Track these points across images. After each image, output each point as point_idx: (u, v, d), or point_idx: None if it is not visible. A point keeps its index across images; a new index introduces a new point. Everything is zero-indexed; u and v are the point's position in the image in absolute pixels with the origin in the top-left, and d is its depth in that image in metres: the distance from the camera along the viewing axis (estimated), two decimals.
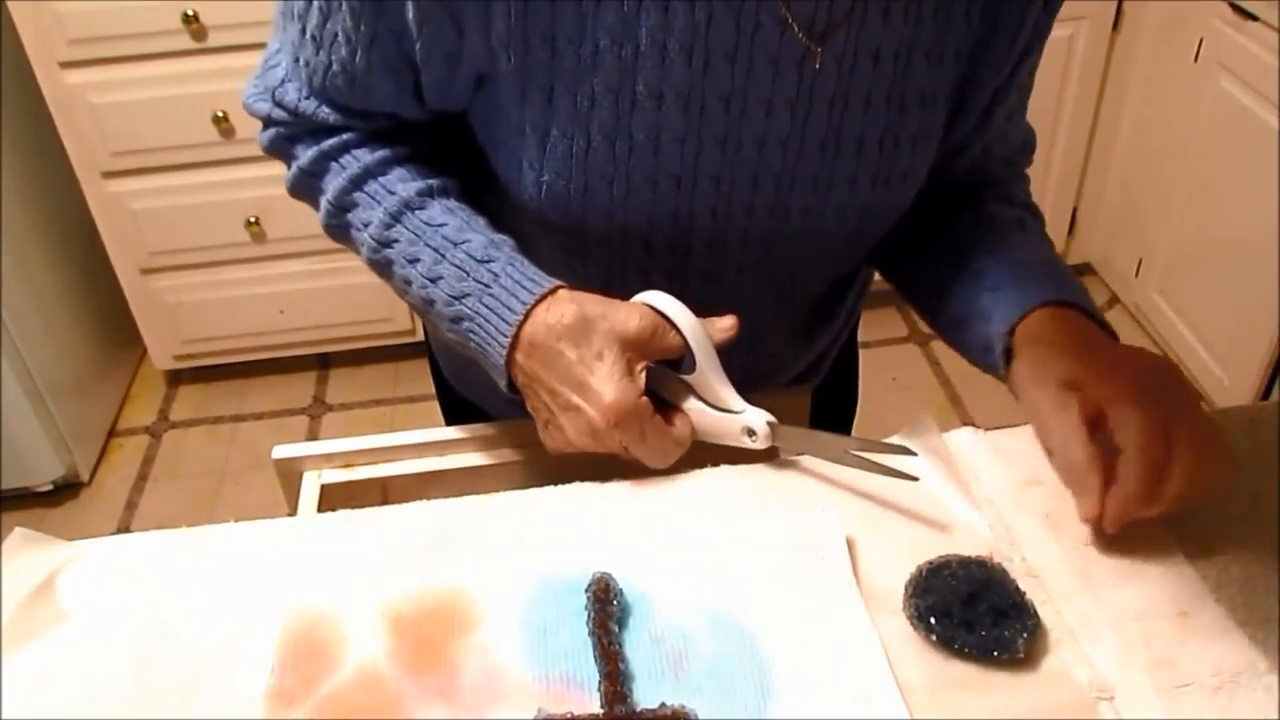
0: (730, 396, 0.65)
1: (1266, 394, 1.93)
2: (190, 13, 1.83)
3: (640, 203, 0.68)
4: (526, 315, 0.62)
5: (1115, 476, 0.58)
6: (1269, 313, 1.87)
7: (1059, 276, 0.69)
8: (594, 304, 0.63)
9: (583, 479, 0.66)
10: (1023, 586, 0.57)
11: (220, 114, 1.93)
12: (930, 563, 0.58)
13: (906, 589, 0.57)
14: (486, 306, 0.64)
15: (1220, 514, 0.63)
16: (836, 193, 0.70)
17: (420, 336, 2.30)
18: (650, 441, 0.63)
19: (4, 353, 1.84)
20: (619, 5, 0.60)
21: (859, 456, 0.63)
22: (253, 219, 2.06)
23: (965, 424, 0.71)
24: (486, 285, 0.64)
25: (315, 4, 0.63)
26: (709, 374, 0.65)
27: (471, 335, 0.65)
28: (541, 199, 0.68)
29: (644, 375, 0.63)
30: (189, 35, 1.86)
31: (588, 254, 0.72)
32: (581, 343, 0.62)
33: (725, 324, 0.66)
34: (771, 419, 0.65)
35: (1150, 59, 2.20)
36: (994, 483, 0.65)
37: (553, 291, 0.63)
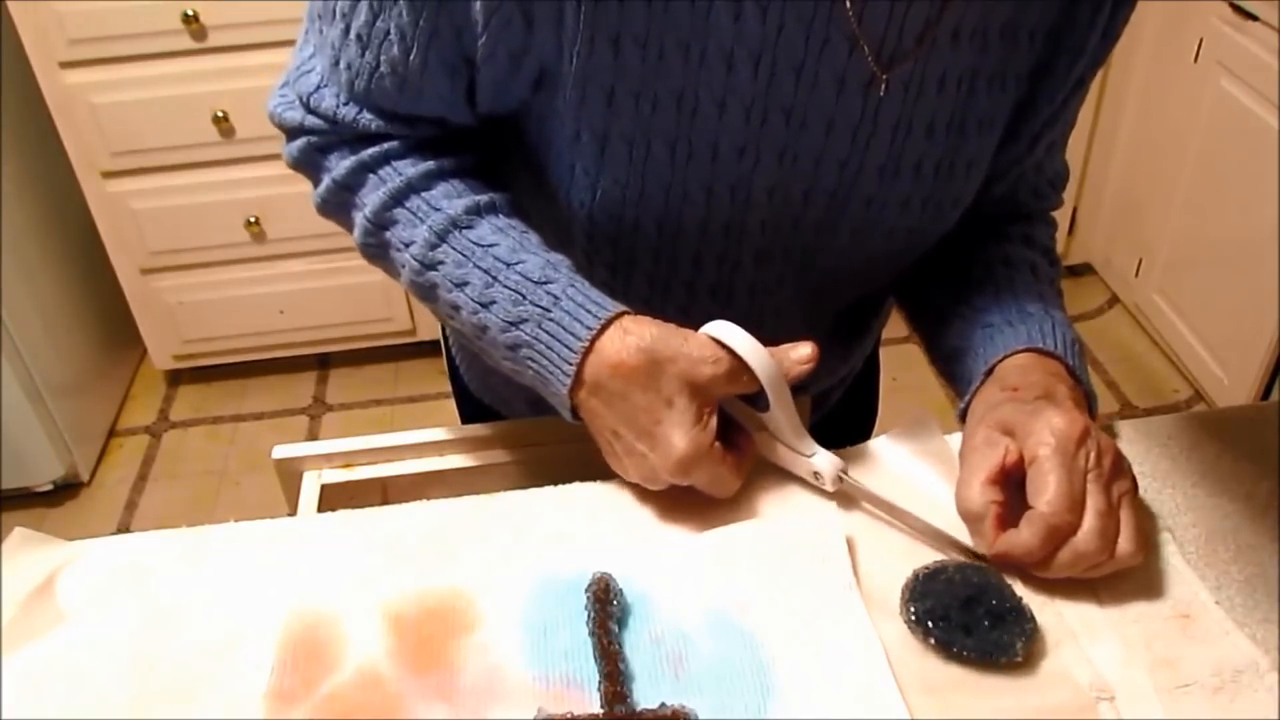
0: (801, 439, 0.63)
1: (1266, 394, 1.93)
2: (190, 13, 1.83)
3: (694, 212, 0.66)
4: (591, 345, 0.59)
5: (1015, 522, 0.57)
6: (1269, 313, 1.87)
7: (1054, 326, 0.68)
8: (664, 341, 0.59)
9: (583, 479, 0.66)
10: (1023, 587, 0.57)
11: (220, 114, 1.93)
12: (926, 567, 0.58)
13: (903, 593, 0.56)
14: (546, 333, 0.60)
15: (1220, 514, 0.64)
16: (887, 215, 0.69)
17: (420, 336, 2.30)
18: (719, 483, 0.61)
19: (4, 353, 1.84)
20: (689, 7, 0.58)
21: (926, 524, 0.61)
22: (253, 219, 2.06)
23: None
24: (546, 310, 0.60)
25: (364, 1, 0.60)
26: (781, 417, 0.62)
27: (530, 363, 0.61)
28: (594, 205, 0.65)
29: (714, 418, 0.60)
30: (189, 35, 1.86)
31: (634, 269, 0.70)
32: (650, 387, 0.58)
33: (802, 355, 0.61)
34: (842, 466, 0.63)
35: (1150, 59, 2.20)
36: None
37: (617, 318, 0.60)
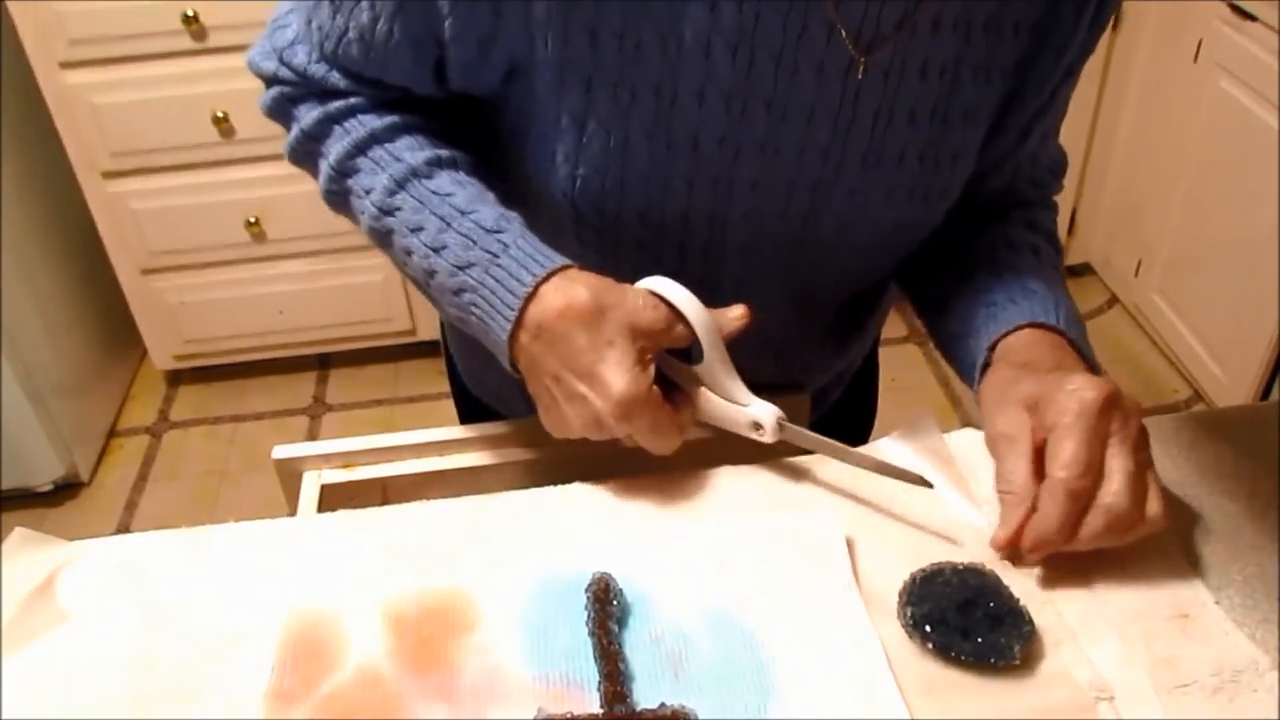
0: (737, 390, 0.64)
1: (1266, 394, 1.93)
2: (190, 13, 1.83)
3: (676, 203, 0.66)
4: (535, 290, 0.60)
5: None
6: (1269, 313, 1.87)
7: (1057, 303, 0.68)
8: (607, 290, 0.60)
9: (583, 479, 0.66)
10: (1023, 587, 0.57)
11: (220, 114, 1.93)
12: (923, 570, 0.57)
13: (900, 597, 0.56)
14: (493, 278, 0.61)
15: (1220, 514, 0.64)
16: (872, 205, 0.69)
17: (420, 336, 2.30)
18: (659, 432, 0.61)
19: (4, 353, 1.84)
20: None
21: (870, 458, 0.61)
22: (253, 219, 2.06)
23: (965, 424, 0.71)
24: (495, 255, 0.61)
25: None
26: (716, 366, 0.63)
27: (474, 308, 0.62)
28: (575, 193, 0.66)
29: (653, 365, 0.61)
30: (189, 35, 1.86)
31: (620, 259, 0.70)
32: (592, 327, 0.59)
33: (735, 313, 0.63)
34: (780, 414, 0.64)
35: (1150, 59, 2.20)
36: (994, 483, 0.65)
37: (563, 269, 0.61)
